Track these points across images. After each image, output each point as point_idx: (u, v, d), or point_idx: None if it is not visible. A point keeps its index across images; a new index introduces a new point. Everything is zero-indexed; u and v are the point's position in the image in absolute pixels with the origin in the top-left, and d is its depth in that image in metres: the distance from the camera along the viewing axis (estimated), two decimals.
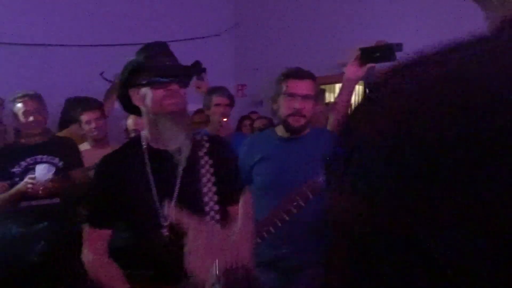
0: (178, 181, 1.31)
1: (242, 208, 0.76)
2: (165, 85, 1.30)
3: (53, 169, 2.29)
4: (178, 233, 1.27)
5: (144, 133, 1.39)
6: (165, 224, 1.30)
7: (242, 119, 4.18)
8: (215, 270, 0.57)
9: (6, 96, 3.34)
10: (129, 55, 3.99)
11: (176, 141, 1.33)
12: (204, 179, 1.32)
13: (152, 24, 4.54)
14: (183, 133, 1.33)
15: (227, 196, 1.32)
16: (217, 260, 0.57)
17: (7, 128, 3.29)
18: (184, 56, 1.50)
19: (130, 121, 2.50)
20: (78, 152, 2.51)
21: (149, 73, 1.31)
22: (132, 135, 2.43)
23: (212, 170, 1.33)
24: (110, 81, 3.43)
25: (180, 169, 1.32)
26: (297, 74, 1.82)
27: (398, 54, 3.53)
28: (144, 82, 1.31)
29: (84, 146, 2.61)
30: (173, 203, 1.29)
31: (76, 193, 2.43)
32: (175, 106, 1.30)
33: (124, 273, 1.35)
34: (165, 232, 1.30)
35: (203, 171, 1.33)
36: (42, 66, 4.03)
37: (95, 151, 2.65)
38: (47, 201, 2.32)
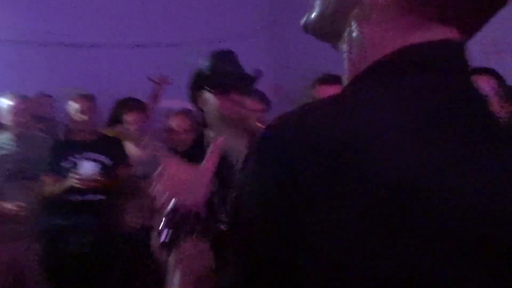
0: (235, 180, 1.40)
1: (209, 150, 0.81)
2: (226, 93, 1.39)
3: (97, 166, 2.44)
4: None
5: (208, 132, 1.48)
6: (224, 219, 1.40)
7: None
8: (170, 201, 0.66)
9: (57, 94, 3.58)
10: (170, 55, 4.13)
11: (234, 144, 1.42)
12: None
13: (189, 25, 4.68)
14: (242, 138, 1.43)
15: None
16: (172, 192, 0.67)
17: (58, 125, 3.53)
18: None
19: (174, 123, 2.61)
20: (124, 151, 2.66)
21: (212, 81, 1.40)
22: (178, 136, 2.55)
23: None
24: (156, 82, 3.57)
25: (236, 170, 1.42)
26: (327, 79, 1.84)
27: None
28: (206, 88, 1.41)
29: (127, 145, 2.76)
30: (229, 200, 1.38)
31: (121, 190, 2.58)
32: (234, 114, 1.37)
33: None
34: (223, 227, 1.40)
35: None
36: (91, 66, 4.24)
37: (136, 149, 2.80)
38: (92, 197, 2.48)
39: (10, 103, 2.57)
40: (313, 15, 0.46)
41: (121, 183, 2.58)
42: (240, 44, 4.94)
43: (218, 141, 0.82)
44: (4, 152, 2.57)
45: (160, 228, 0.66)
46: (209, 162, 0.77)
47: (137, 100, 3.13)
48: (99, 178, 2.41)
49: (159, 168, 0.72)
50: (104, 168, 2.51)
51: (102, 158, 2.55)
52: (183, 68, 3.49)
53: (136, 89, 3.83)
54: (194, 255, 0.65)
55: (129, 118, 2.78)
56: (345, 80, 0.43)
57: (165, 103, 3.53)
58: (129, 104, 2.95)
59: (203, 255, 0.64)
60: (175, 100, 3.59)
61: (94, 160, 2.49)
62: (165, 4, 4.72)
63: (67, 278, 2.46)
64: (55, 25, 4.13)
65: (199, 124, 3.29)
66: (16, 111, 2.56)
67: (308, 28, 0.47)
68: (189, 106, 3.73)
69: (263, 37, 5.52)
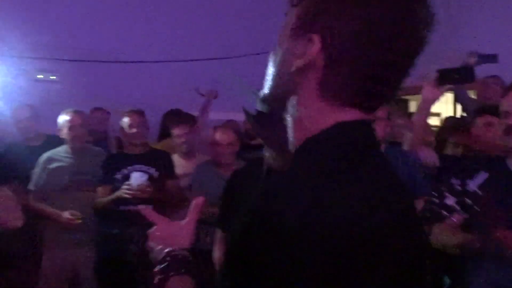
0: None
1: (192, 205, 0.91)
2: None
3: (145, 177, 2.54)
4: None
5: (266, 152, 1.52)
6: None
7: None
8: (162, 252, 0.79)
9: (113, 109, 3.78)
10: (218, 69, 4.21)
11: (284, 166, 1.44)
12: None
13: (237, 38, 4.77)
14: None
15: None
16: (163, 245, 0.81)
17: (109, 138, 3.72)
18: None
19: (218, 136, 2.66)
20: (172, 164, 2.76)
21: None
22: (222, 149, 2.60)
23: None
24: (204, 95, 3.67)
25: None
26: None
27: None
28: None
29: (174, 157, 2.85)
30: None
31: (168, 200, 2.67)
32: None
33: None
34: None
35: None
36: (143, 82, 4.43)
37: (183, 162, 2.89)
38: (141, 207, 2.58)
39: (68, 118, 2.74)
40: (265, 94, 0.62)
41: (168, 194, 2.66)
42: None
43: (199, 200, 0.91)
44: (62, 164, 2.74)
45: (154, 272, 0.78)
46: (190, 218, 0.89)
47: (185, 114, 3.23)
48: (147, 189, 2.51)
49: (152, 228, 0.86)
50: (153, 179, 2.61)
51: (151, 170, 2.65)
52: (230, 81, 3.59)
53: (185, 102, 3.95)
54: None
55: (177, 131, 2.88)
56: (291, 143, 0.59)
57: (214, 115, 3.62)
58: (176, 117, 3.05)
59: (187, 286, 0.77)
60: (223, 113, 3.67)
61: (143, 172, 2.60)
62: (212, 19, 4.86)
63: (117, 284, 2.57)
64: (107, 44, 4.36)
65: (246, 135, 3.33)
66: (72, 125, 2.73)
67: (265, 103, 0.63)
68: (235, 117, 3.79)
69: None
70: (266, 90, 0.61)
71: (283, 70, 0.58)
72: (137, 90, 4.23)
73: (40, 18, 4.06)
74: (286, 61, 0.57)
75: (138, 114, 2.75)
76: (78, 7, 4.32)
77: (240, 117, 3.79)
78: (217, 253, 1.62)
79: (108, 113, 3.85)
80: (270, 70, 0.61)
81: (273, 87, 0.60)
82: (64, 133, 2.75)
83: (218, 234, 1.62)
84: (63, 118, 2.76)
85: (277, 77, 0.59)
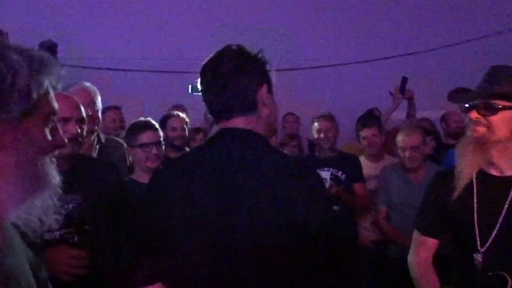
0: (504, 210, 1.28)
1: None
2: (466, 111, 1.32)
3: (327, 175, 2.66)
4: (492, 262, 1.27)
5: None
6: (481, 249, 1.30)
7: None
8: None
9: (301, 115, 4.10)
10: (409, 65, 4.03)
11: (504, 170, 1.31)
12: None
13: (430, 28, 4.46)
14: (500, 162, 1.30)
15: None
16: None
17: (303, 140, 4.03)
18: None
19: (400, 139, 2.60)
20: (359, 167, 2.77)
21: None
22: (403, 152, 2.55)
23: None
24: (394, 96, 3.57)
25: (509, 198, 1.29)
26: None
27: None
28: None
29: (361, 159, 2.90)
30: (494, 231, 1.28)
31: (355, 204, 2.76)
32: (473, 133, 1.29)
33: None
34: (479, 257, 1.29)
35: None
36: (339, 84, 4.61)
37: (369, 164, 2.91)
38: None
39: None
40: None
41: (355, 197, 2.74)
42: (486, 45, 4.40)
43: None
44: None
45: None
46: None
47: (372, 116, 3.25)
48: (335, 191, 2.63)
49: None
50: (340, 182, 2.73)
51: (339, 173, 2.77)
52: (420, 77, 3.41)
53: (380, 103, 3.94)
54: None
55: (363, 134, 2.89)
56: None
57: (401, 114, 3.51)
58: (363, 120, 3.09)
59: None
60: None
61: (332, 175, 2.75)
62: (396, 18, 4.68)
63: None
64: (300, 52, 4.70)
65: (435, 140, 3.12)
66: None
67: None
68: (429, 115, 3.56)
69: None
70: None
71: None
72: (333, 92, 4.42)
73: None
74: None
75: (327, 119, 2.88)
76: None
77: (433, 115, 3.58)
78: (413, 257, 1.48)
79: (297, 116, 4.19)
80: None
81: None
82: None
83: (416, 235, 1.48)
84: None
85: None
